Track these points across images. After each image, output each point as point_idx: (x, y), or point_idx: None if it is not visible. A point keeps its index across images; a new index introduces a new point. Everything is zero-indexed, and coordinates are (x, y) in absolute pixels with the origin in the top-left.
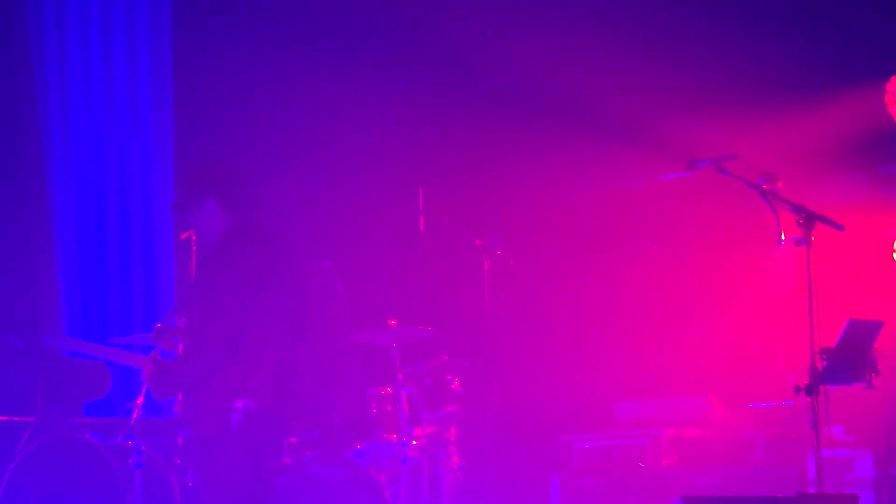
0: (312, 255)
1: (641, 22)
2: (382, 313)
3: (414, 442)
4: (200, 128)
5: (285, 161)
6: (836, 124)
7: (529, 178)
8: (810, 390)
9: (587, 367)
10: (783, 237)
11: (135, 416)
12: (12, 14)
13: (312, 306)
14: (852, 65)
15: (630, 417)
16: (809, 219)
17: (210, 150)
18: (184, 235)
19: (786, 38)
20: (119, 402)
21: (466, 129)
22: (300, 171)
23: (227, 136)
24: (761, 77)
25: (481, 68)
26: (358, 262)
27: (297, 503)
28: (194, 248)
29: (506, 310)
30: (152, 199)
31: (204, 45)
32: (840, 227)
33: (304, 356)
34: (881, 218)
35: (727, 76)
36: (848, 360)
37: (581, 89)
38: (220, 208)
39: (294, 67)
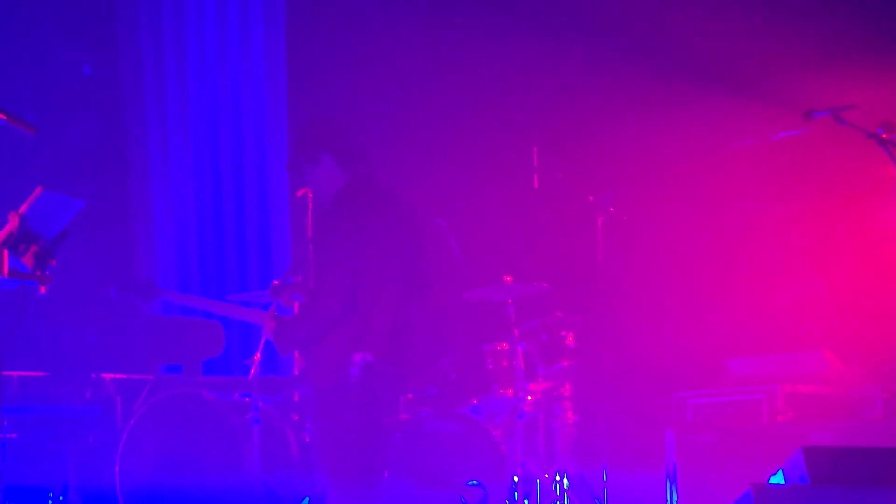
0: (428, 213)
1: None
2: (498, 270)
3: (529, 397)
4: (315, 84)
5: (400, 119)
6: None
7: (643, 135)
8: None
9: (701, 322)
10: None
11: (252, 372)
12: None
13: (428, 262)
14: None
15: (744, 373)
16: None
17: (324, 108)
18: (300, 192)
19: None
20: (236, 359)
21: (580, 86)
22: (415, 129)
23: (342, 93)
24: (880, 24)
25: (594, 26)
26: (473, 220)
27: (413, 458)
28: (310, 206)
29: (619, 266)
30: (267, 157)
31: (316, 7)
32: None
33: (420, 312)
34: None
35: (844, 24)
36: None
37: (695, 45)
38: (334, 165)
39: (410, 23)
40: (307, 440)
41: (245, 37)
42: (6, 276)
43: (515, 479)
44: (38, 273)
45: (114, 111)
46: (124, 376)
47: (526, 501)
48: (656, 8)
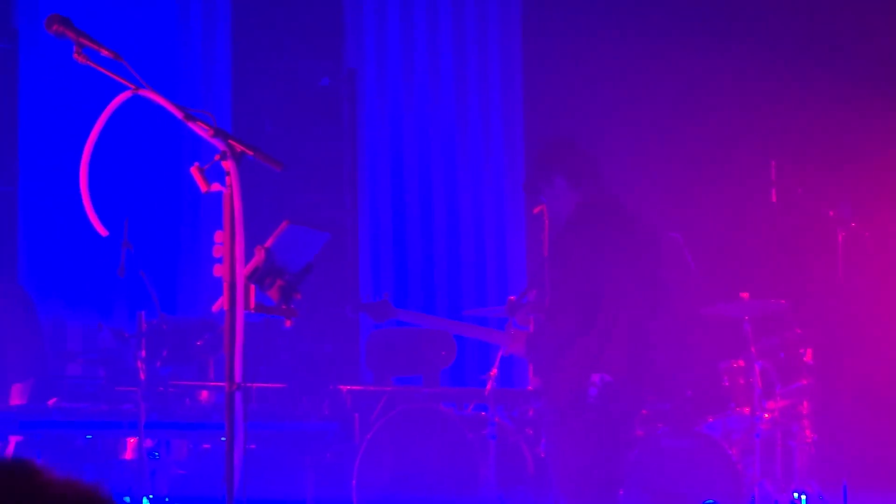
0: (663, 227)
1: None
2: (734, 286)
3: (767, 415)
4: (550, 99)
5: (636, 133)
6: None
7: (885, 147)
8: None
9: None
10: None
11: (489, 386)
12: None
13: (664, 278)
14: None
15: None
16: None
17: (560, 123)
18: (536, 210)
19: None
20: (468, 371)
21: (819, 98)
22: (652, 143)
23: (578, 109)
24: None
25: (829, 36)
26: (710, 234)
27: (649, 476)
28: (546, 222)
29: (860, 282)
30: (502, 172)
31: (551, 24)
32: None
33: (657, 328)
34: None
35: None
36: None
37: None
38: (567, 186)
39: (644, 39)
40: (542, 456)
41: (483, 54)
42: (252, 310)
43: (752, 498)
44: (284, 307)
45: (347, 123)
46: (360, 388)
47: None
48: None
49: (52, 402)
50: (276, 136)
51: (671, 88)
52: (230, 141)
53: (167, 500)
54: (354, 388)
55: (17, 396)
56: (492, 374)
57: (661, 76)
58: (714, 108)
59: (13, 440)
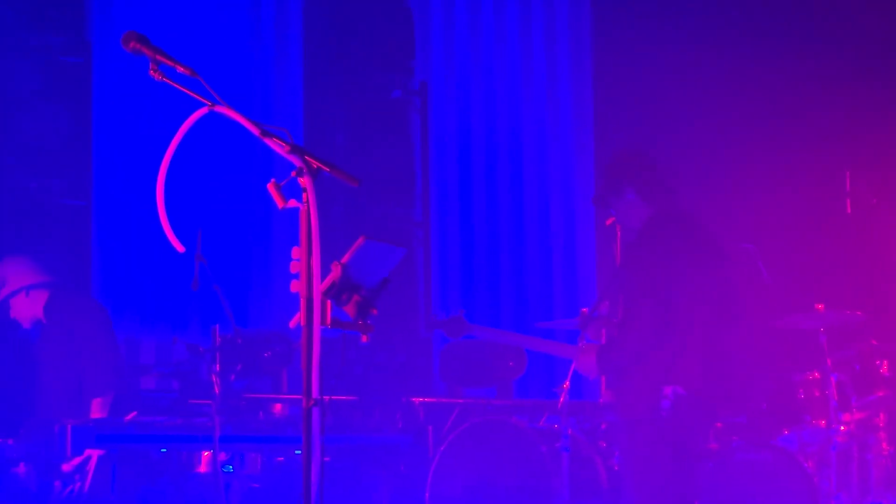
0: (737, 239)
1: None
2: (809, 297)
3: (842, 428)
4: (620, 116)
5: (708, 145)
6: None
7: None
8: None
9: None
10: None
11: (562, 399)
12: None
13: (738, 290)
14: None
15: None
16: None
17: (630, 134)
18: (608, 222)
19: None
20: (541, 384)
21: (894, 108)
22: (724, 155)
23: (647, 120)
24: None
25: None
26: (784, 246)
27: (723, 488)
28: (618, 234)
29: None
30: (573, 188)
31: (622, 33)
32: None
33: (731, 340)
34: None
35: None
36: None
37: None
38: (638, 199)
39: (714, 50)
40: (616, 468)
41: (552, 65)
42: (328, 326)
43: None
44: (360, 322)
45: (418, 135)
46: (434, 400)
47: None
48: None
49: (129, 416)
50: (347, 148)
51: (744, 98)
52: (307, 157)
53: None
54: (427, 400)
55: (97, 410)
56: (564, 386)
57: (733, 86)
58: (788, 118)
59: (94, 454)
